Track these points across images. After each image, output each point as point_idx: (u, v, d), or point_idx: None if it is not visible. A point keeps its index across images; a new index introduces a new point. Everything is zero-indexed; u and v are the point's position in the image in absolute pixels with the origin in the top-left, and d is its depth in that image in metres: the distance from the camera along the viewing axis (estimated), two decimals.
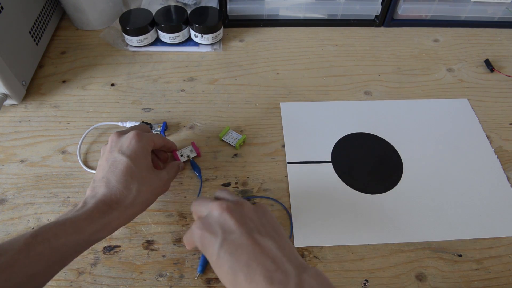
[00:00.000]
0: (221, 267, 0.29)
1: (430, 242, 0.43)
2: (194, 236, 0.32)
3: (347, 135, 0.53)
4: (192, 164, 0.49)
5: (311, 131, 0.53)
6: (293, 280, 0.26)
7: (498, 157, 0.51)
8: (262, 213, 0.33)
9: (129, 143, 0.39)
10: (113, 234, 0.41)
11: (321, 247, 0.43)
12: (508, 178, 0.49)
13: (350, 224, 0.45)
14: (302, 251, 0.43)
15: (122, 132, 0.41)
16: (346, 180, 0.48)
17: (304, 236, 0.43)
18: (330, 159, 0.50)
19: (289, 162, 0.50)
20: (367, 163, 0.50)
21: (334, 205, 0.46)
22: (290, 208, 0.46)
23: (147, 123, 0.52)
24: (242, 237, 0.29)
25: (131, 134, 0.39)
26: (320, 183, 0.48)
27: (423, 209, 0.46)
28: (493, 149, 0.51)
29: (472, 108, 0.56)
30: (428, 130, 0.54)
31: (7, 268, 0.29)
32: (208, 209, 0.32)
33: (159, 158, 0.46)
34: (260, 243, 0.29)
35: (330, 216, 0.45)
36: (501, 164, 0.50)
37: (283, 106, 0.56)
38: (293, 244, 0.42)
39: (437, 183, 0.48)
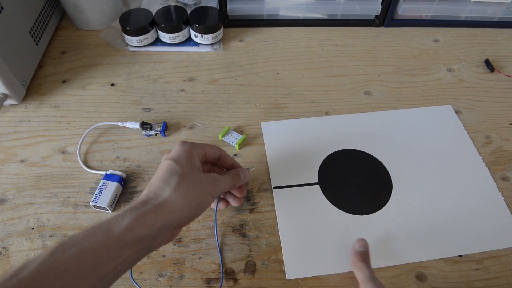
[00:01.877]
0: None
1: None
2: None
3: (332, 153, 0.50)
4: None
5: (295, 151, 0.51)
6: None
7: (486, 165, 0.50)
8: None
9: (174, 150, 0.37)
10: None
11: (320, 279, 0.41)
12: (498, 188, 0.48)
13: (343, 248, 0.42)
14: (297, 283, 0.41)
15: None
16: (335, 202, 0.46)
17: (296, 268, 0.41)
18: (317, 180, 0.48)
19: (274, 187, 0.47)
20: (356, 182, 0.48)
21: (325, 230, 0.44)
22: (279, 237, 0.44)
23: (147, 123, 0.52)
24: None
25: (177, 143, 0.38)
26: (309, 207, 0.45)
27: (415, 226, 0.44)
28: (480, 157, 0.50)
29: (457, 114, 0.55)
30: (414, 141, 0.52)
31: (30, 282, 0.25)
32: None
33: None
34: None
35: (322, 243, 0.43)
36: (490, 173, 0.49)
37: (265, 125, 0.53)
38: (286, 276, 0.41)
39: (427, 197, 0.47)
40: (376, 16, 0.69)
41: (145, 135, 0.53)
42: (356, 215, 0.45)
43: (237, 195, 0.43)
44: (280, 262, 0.42)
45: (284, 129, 0.53)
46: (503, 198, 0.47)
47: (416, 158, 0.50)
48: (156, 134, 0.52)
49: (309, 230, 0.44)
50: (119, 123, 0.53)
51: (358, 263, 0.38)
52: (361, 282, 0.37)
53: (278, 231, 0.44)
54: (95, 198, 0.45)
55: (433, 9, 0.67)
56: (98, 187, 0.46)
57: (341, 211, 0.45)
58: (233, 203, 0.43)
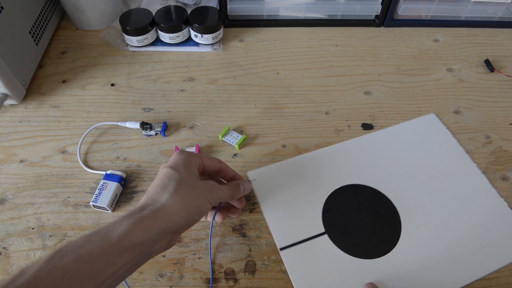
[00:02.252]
0: None
1: None
2: None
3: (332, 193, 0.47)
4: None
5: (291, 199, 0.46)
6: None
7: (483, 172, 0.49)
8: None
9: (172, 158, 0.37)
10: None
11: None
12: (502, 197, 0.47)
13: None
14: None
15: None
16: (347, 249, 0.43)
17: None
18: (323, 230, 0.44)
19: (281, 249, 0.43)
20: (363, 221, 0.45)
21: (345, 283, 0.41)
22: None
23: (147, 123, 0.52)
24: None
25: (175, 152, 0.39)
26: (322, 261, 0.42)
27: (434, 258, 0.42)
28: (475, 164, 0.50)
29: (441, 122, 0.54)
30: (407, 160, 0.50)
31: None
32: None
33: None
34: None
35: None
36: (488, 180, 0.48)
37: (251, 174, 0.49)
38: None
39: (436, 226, 0.45)
40: (376, 16, 0.69)
41: (145, 135, 0.53)
42: (372, 259, 0.42)
43: (236, 206, 0.43)
44: (280, 262, 0.42)
45: (273, 174, 0.49)
46: (506, 203, 0.46)
47: (416, 181, 0.48)
48: (156, 134, 0.52)
49: (328, 285, 0.40)
50: (119, 123, 0.53)
51: None
52: None
53: (268, 225, 0.44)
54: (95, 198, 0.45)
55: (433, 9, 0.67)
56: (98, 187, 0.46)
57: (357, 258, 0.42)
58: (231, 214, 0.44)
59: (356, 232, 0.44)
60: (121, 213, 0.46)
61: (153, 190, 0.34)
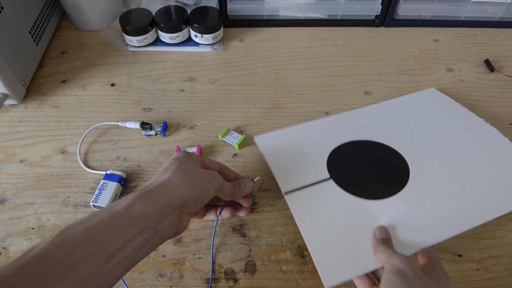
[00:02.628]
0: None
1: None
2: None
3: (337, 147, 0.48)
4: None
5: (297, 154, 0.48)
6: None
7: (491, 124, 0.50)
8: None
9: (174, 154, 0.39)
10: None
11: None
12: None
13: (370, 240, 0.39)
14: (290, 262, 0.42)
15: None
16: (353, 191, 0.43)
17: (333, 274, 0.37)
18: (328, 176, 0.45)
19: (285, 193, 0.43)
20: (369, 168, 0.46)
21: (352, 223, 0.41)
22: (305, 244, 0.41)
23: (147, 123, 0.52)
24: None
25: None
26: (328, 204, 0.42)
27: (443, 199, 0.42)
28: (482, 119, 0.51)
29: (443, 93, 0.56)
30: (414, 123, 0.51)
31: (39, 260, 0.26)
32: None
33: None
34: None
35: (353, 238, 0.39)
36: (497, 129, 0.49)
37: (258, 139, 0.50)
38: (323, 285, 0.36)
39: (445, 170, 0.45)
40: (376, 16, 0.69)
41: (145, 135, 0.53)
42: (377, 200, 0.42)
43: (244, 205, 0.43)
44: (280, 262, 0.42)
45: (281, 138, 0.50)
46: None
47: (423, 137, 0.49)
48: (156, 134, 0.52)
49: (335, 228, 0.40)
50: (119, 123, 0.53)
51: (379, 247, 0.37)
52: (385, 262, 0.35)
53: (278, 231, 0.44)
54: (95, 198, 0.45)
55: (433, 9, 0.67)
56: (98, 187, 0.46)
57: (363, 199, 0.42)
58: (240, 213, 0.44)
59: (362, 177, 0.45)
60: None
61: (155, 175, 0.36)
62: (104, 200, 0.45)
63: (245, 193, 0.42)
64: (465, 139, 0.49)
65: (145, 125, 0.52)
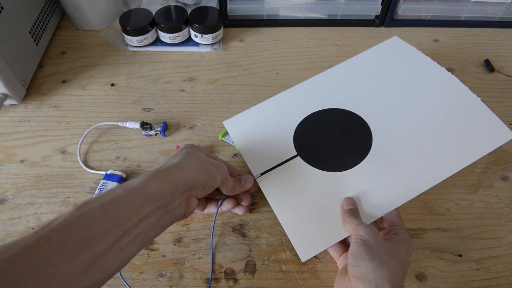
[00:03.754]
0: None
1: (430, 242, 0.43)
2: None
3: (302, 120, 0.49)
4: None
5: (263, 134, 0.49)
6: None
7: (452, 73, 0.50)
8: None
9: (180, 147, 0.40)
10: None
11: None
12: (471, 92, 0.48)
13: (339, 211, 0.41)
14: (289, 262, 0.42)
15: None
16: (320, 166, 0.45)
17: (307, 248, 0.40)
18: (295, 153, 0.46)
19: (256, 176, 0.45)
20: (334, 139, 0.47)
21: (321, 197, 0.42)
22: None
23: (147, 123, 0.52)
24: None
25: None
26: (297, 181, 0.44)
27: (406, 160, 0.44)
28: (443, 68, 0.50)
29: (406, 41, 0.55)
30: (377, 81, 0.51)
31: (60, 231, 0.27)
32: None
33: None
34: None
35: (322, 210, 0.42)
36: (458, 79, 0.49)
37: (227, 123, 0.51)
38: (301, 259, 0.40)
39: (409, 128, 0.46)
40: (376, 16, 0.69)
41: (145, 135, 0.53)
42: (343, 172, 0.44)
43: (243, 203, 0.44)
44: (280, 262, 0.42)
45: (248, 119, 0.51)
46: (479, 98, 0.46)
47: (386, 97, 0.49)
48: (156, 134, 0.52)
49: (306, 204, 0.42)
50: (119, 123, 0.53)
51: (347, 218, 0.39)
52: (352, 232, 0.37)
53: (278, 230, 0.44)
54: None
55: (433, 9, 0.67)
56: (98, 187, 0.46)
57: (328, 172, 0.44)
58: (238, 211, 0.44)
59: (327, 150, 0.46)
60: None
61: (166, 159, 0.37)
62: None
63: (245, 188, 0.43)
64: (425, 92, 0.49)
65: (145, 125, 0.52)
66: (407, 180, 0.42)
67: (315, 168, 0.45)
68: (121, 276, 0.40)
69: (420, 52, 0.53)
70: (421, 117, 0.47)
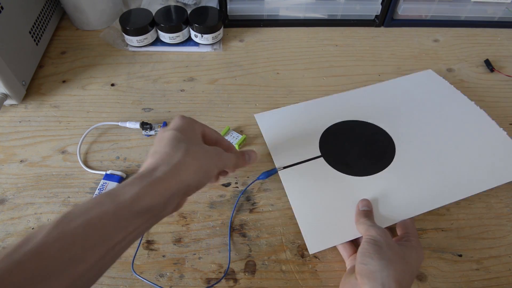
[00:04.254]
0: None
1: (430, 242, 0.43)
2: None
3: (330, 126, 0.52)
4: None
5: (292, 132, 0.52)
6: None
7: (481, 108, 0.52)
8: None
9: (174, 122, 0.36)
10: None
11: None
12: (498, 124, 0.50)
13: (353, 212, 0.43)
14: (290, 262, 0.42)
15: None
16: (340, 168, 0.47)
17: (317, 241, 0.41)
18: (319, 154, 0.49)
19: (279, 168, 0.48)
20: (358, 147, 0.50)
21: (336, 197, 0.45)
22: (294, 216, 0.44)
23: (147, 123, 0.52)
24: None
25: (176, 117, 0.37)
26: (316, 179, 0.46)
27: (425, 176, 0.46)
28: (473, 102, 0.53)
29: (439, 75, 0.57)
30: (406, 104, 0.54)
31: (36, 255, 0.24)
32: None
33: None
34: None
35: (336, 210, 0.43)
36: (487, 113, 0.51)
37: (258, 117, 0.54)
38: (308, 251, 0.41)
39: (431, 149, 0.49)
40: (376, 16, 0.69)
41: (145, 135, 0.53)
42: (363, 177, 0.46)
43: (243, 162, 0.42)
44: (280, 262, 0.42)
45: (279, 116, 0.54)
46: (505, 132, 0.49)
47: (413, 118, 0.52)
48: (156, 134, 0.52)
49: (322, 201, 0.44)
50: (119, 123, 0.53)
51: (361, 219, 0.40)
52: (364, 233, 0.38)
53: (278, 231, 0.44)
54: None
55: (433, 9, 0.67)
56: (98, 187, 0.46)
57: (348, 175, 0.47)
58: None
59: (350, 156, 0.49)
60: None
61: (162, 151, 0.33)
62: None
63: (248, 163, 0.41)
64: (452, 120, 0.52)
65: (145, 125, 0.52)
66: (422, 194, 0.44)
67: (336, 170, 0.47)
68: (132, 268, 0.40)
69: (452, 86, 0.56)
70: (444, 141, 0.50)
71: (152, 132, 0.52)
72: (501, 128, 0.49)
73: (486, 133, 0.50)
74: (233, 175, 0.49)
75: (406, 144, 0.49)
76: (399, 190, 0.45)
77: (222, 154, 0.37)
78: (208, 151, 0.35)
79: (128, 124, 0.53)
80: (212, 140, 0.39)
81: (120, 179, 0.47)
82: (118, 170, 0.48)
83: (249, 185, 0.47)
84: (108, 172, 0.48)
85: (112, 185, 0.46)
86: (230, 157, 0.38)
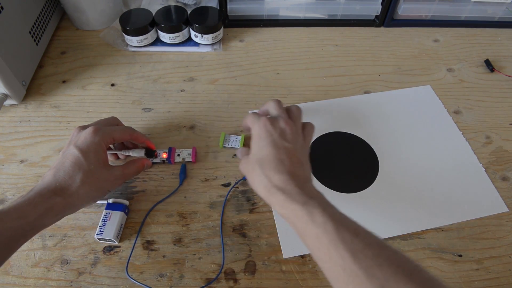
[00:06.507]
0: None
1: (430, 242, 0.43)
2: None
3: (317, 137, 0.52)
4: (182, 168, 0.49)
5: None
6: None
7: (466, 139, 0.52)
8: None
9: (84, 138, 0.40)
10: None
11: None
12: (478, 159, 0.50)
13: None
14: (290, 262, 0.43)
15: (84, 126, 0.42)
16: (324, 182, 0.48)
17: (292, 247, 0.43)
18: None
19: None
20: (343, 162, 0.50)
21: None
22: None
23: (151, 151, 0.48)
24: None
25: (88, 129, 0.41)
26: None
27: (405, 199, 0.47)
28: (460, 132, 0.53)
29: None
30: (396, 120, 0.54)
31: None
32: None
33: (128, 147, 0.49)
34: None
35: None
36: (470, 147, 0.52)
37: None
38: (282, 256, 0.42)
39: (413, 171, 0.49)
40: (376, 16, 0.69)
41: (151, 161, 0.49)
42: (347, 193, 0.47)
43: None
44: (280, 262, 0.42)
45: None
46: (483, 169, 0.49)
47: (399, 135, 0.53)
48: (163, 162, 0.49)
49: None
50: (122, 152, 0.48)
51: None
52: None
53: (277, 231, 0.44)
54: (100, 231, 0.42)
55: (433, 9, 0.67)
56: (102, 218, 0.43)
57: (332, 190, 0.47)
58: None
59: (334, 169, 0.49)
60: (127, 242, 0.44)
61: (62, 176, 0.38)
62: (109, 232, 0.41)
63: (146, 169, 0.48)
64: (437, 147, 0.52)
65: (149, 154, 0.48)
66: (398, 217, 0.45)
67: (320, 183, 0.48)
68: (127, 271, 0.40)
69: (446, 110, 0.56)
70: (426, 167, 0.50)
71: (158, 160, 0.49)
72: (481, 164, 0.50)
73: (466, 167, 0.50)
74: (233, 175, 0.49)
75: (389, 166, 0.49)
76: (378, 211, 0.46)
77: (118, 179, 0.42)
78: (105, 180, 0.40)
79: (132, 153, 0.48)
80: (125, 139, 0.45)
81: (124, 208, 0.44)
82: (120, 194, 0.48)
83: (236, 184, 0.48)
84: (110, 200, 0.45)
85: (116, 215, 0.43)
86: (130, 169, 0.44)
